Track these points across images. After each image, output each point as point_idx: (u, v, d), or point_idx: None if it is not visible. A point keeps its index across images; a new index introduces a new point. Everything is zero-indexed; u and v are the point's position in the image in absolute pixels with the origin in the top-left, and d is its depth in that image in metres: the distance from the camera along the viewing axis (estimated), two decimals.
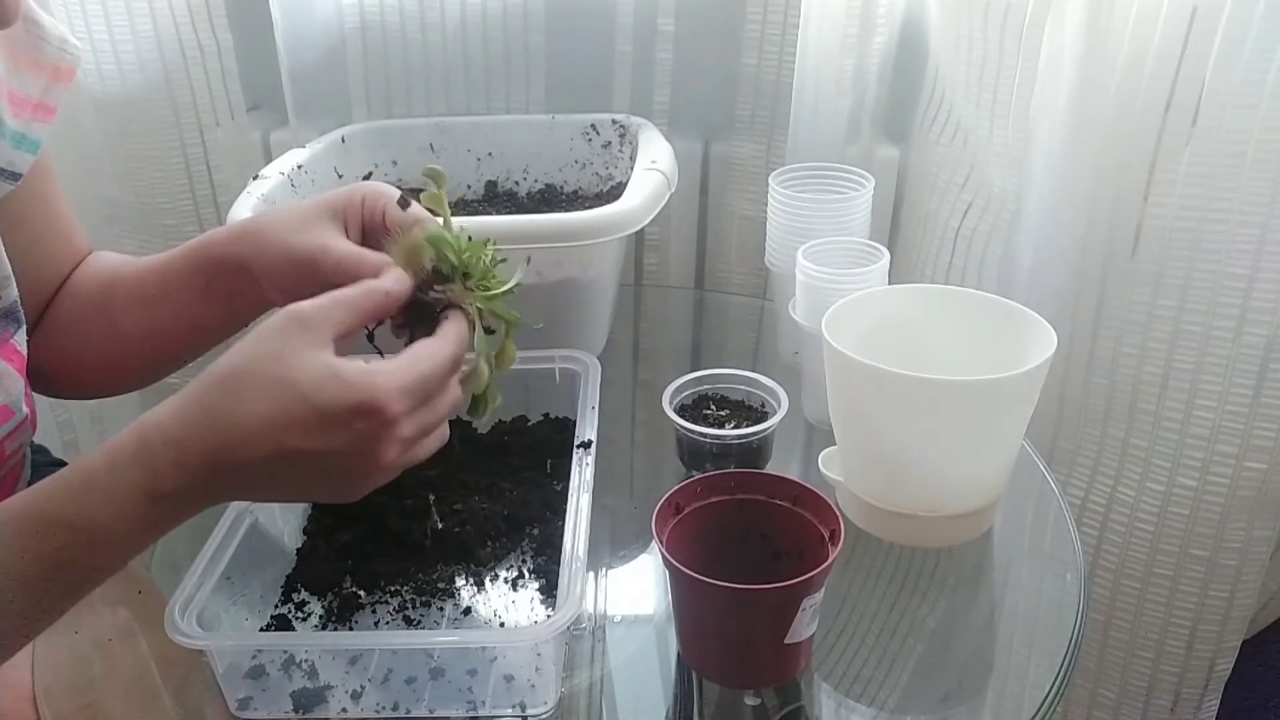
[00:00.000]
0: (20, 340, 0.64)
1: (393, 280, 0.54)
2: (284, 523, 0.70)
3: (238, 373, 0.48)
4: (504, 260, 0.58)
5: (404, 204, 0.60)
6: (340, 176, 1.01)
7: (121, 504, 0.47)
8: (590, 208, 0.80)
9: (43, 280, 0.68)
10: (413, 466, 0.53)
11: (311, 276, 0.57)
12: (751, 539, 0.62)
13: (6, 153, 0.62)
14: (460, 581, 0.64)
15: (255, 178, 0.90)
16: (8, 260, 0.63)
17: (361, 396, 0.47)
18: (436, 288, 0.55)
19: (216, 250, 0.64)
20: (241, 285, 0.62)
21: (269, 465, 0.48)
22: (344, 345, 0.52)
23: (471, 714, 0.56)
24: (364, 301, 0.52)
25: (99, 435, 1.23)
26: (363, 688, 0.56)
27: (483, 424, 0.60)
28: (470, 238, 0.57)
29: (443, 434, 0.55)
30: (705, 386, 0.80)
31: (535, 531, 0.69)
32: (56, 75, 0.65)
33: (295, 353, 0.48)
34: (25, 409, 0.64)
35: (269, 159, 1.05)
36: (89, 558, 0.47)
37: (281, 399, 0.47)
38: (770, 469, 0.77)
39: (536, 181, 1.07)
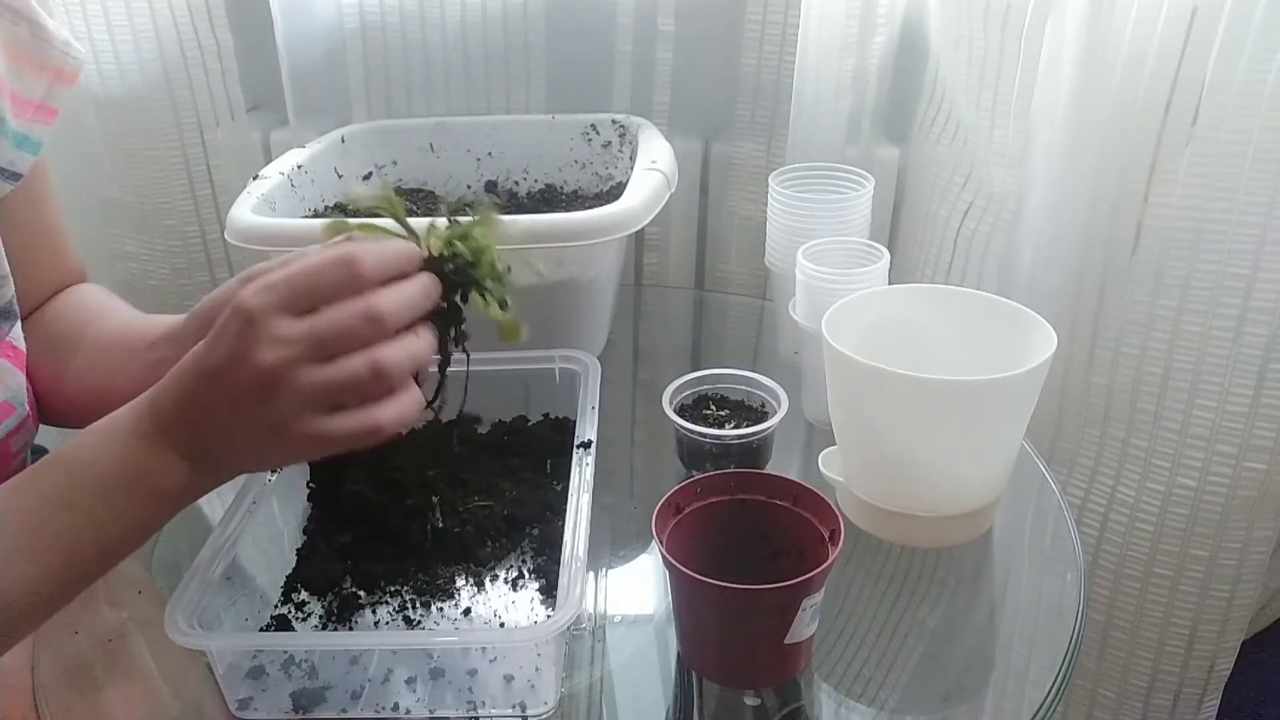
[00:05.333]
0: (17, 335, 0.64)
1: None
2: (284, 523, 0.70)
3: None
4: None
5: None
6: (340, 176, 1.01)
7: (110, 440, 0.51)
8: (590, 208, 0.80)
9: (26, 288, 0.68)
10: (344, 387, 0.49)
11: None
12: (751, 539, 0.62)
13: (8, 153, 0.62)
14: (460, 581, 0.64)
15: (255, 178, 0.90)
16: (5, 260, 0.63)
17: (232, 303, 0.49)
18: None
19: (174, 321, 0.65)
20: (165, 358, 0.62)
21: (199, 394, 0.50)
22: None
23: (471, 714, 0.56)
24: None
25: None
26: (363, 688, 0.56)
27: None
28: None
29: (373, 356, 0.49)
30: (705, 386, 0.80)
31: (535, 531, 0.69)
32: (59, 77, 0.66)
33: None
34: (26, 406, 0.64)
35: (269, 159, 1.05)
36: (86, 496, 0.50)
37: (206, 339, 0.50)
38: (770, 469, 0.77)
39: (536, 181, 1.07)
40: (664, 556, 0.56)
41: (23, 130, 0.63)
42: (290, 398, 0.48)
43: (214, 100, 1.12)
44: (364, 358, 0.49)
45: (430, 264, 0.53)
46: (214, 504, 0.71)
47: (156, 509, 0.52)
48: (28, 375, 0.66)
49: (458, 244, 0.54)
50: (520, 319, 0.56)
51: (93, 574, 0.52)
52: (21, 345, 0.64)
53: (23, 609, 0.49)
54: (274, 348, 0.47)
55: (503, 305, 0.56)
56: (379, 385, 0.49)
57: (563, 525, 0.61)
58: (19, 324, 0.64)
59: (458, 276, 0.54)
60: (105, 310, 0.72)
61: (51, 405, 0.68)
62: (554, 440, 0.76)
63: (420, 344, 0.51)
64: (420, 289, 0.51)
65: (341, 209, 0.98)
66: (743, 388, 0.80)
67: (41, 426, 0.68)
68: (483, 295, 0.55)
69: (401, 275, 0.51)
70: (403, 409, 0.51)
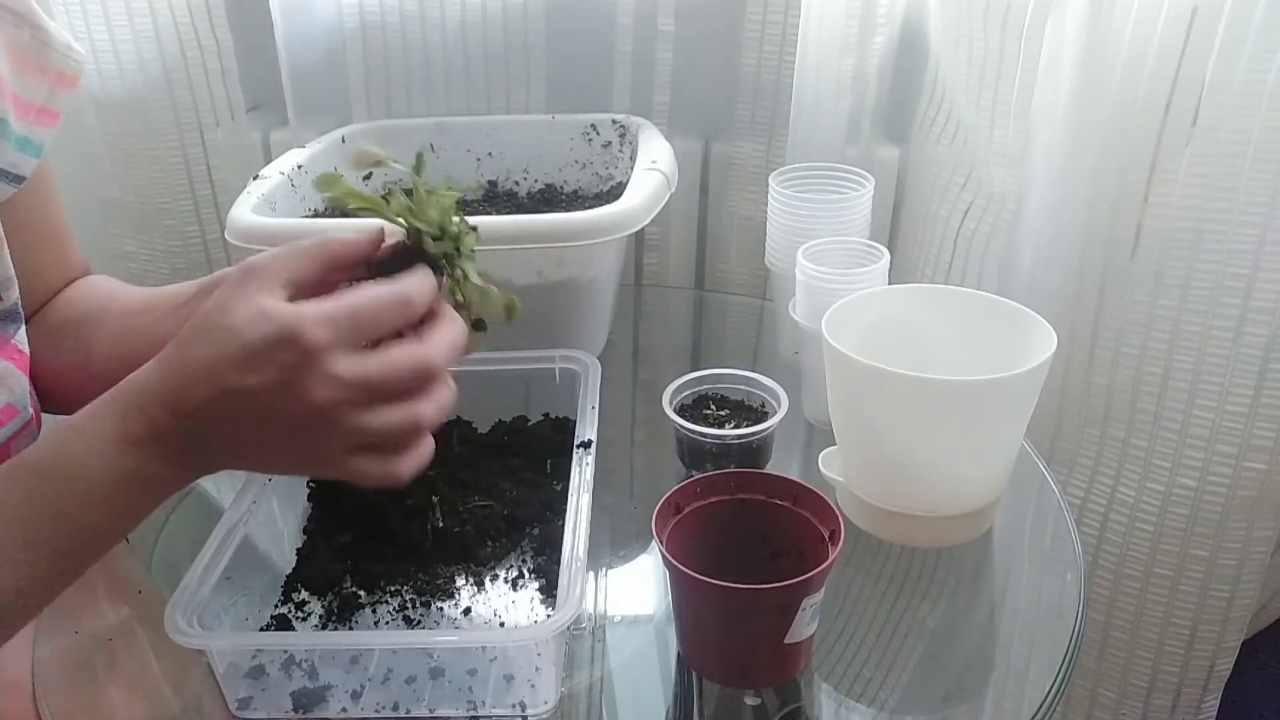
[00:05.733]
0: (21, 339, 0.64)
1: (354, 230, 0.54)
2: (284, 523, 0.70)
3: (193, 326, 0.50)
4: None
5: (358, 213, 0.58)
6: (341, 177, 1.01)
7: (97, 446, 0.48)
8: (590, 208, 0.80)
9: (34, 289, 0.68)
10: (386, 441, 0.50)
11: None
12: (751, 539, 0.62)
13: (10, 155, 0.62)
14: (460, 581, 0.64)
15: (255, 178, 0.90)
16: (10, 263, 0.63)
17: (281, 326, 0.47)
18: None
19: (206, 277, 0.65)
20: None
21: (216, 408, 0.48)
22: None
23: (471, 714, 0.56)
24: (319, 249, 0.51)
25: None
26: (363, 688, 0.56)
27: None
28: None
29: (415, 410, 0.50)
30: (705, 386, 0.80)
31: (535, 531, 0.69)
32: (61, 81, 0.66)
33: (238, 298, 0.48)
34: (30, 410, 0.64)
35: (269, 159, 1.05)
36: (73, 505, 0.48)
37: (218, 340, 0.48)
38: (770, 469, 0.77)
39: (536, 181, 1.07)
40: (664, 556, 0.56)
41: (25, 133, 0.63)
42: (332, 435, 0.49)
43: (214, 100, 1.12)
44: (407, 414, 0.50)
45: (412, 242, 0.54)
46: (214, 503, 0.71)
47: (146, 506, 0.51)
48: (37, 373, 0.66)
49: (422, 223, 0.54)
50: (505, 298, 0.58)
51: (79, 570, 0.51)
52: (25, 349, 0.64)
53: (7, 612, 0.49)
54: (329, 386, 0.47)
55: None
56: (414, 438, 0.51)
57: (563, 525, 0.61)
58: (24, 328, 0.64)
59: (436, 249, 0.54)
60: (117, 289, 0.72)
61: (73, 386, 0.68)
62: (554, 440, 0.76)
63: (450, 396, 0.52)
64: (461, 332, 0.53)
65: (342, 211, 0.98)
66: (743, 388, 0.80)
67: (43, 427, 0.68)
68: (458, 273, 0.55)
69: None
70: (421, 460, 0.52)
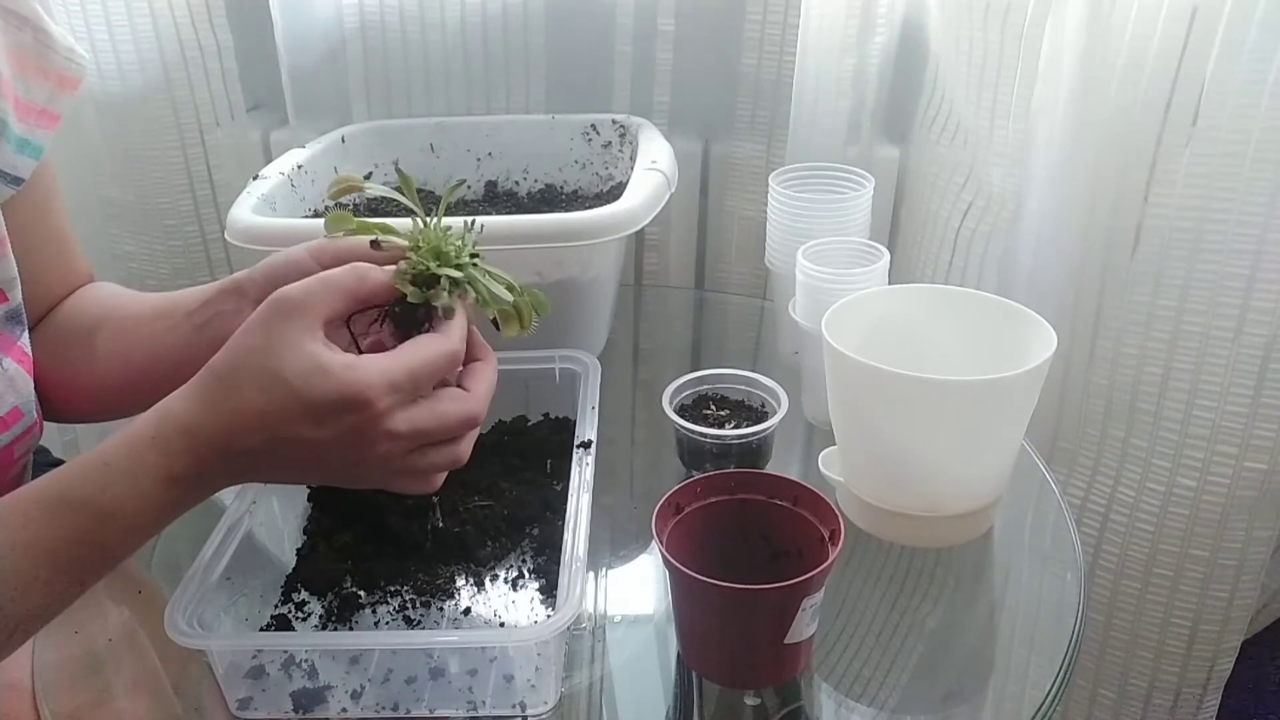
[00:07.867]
0: (26, 341, 0.64)
1: (385, 263, 0.55)
2: (284, 523, 0.70)
3: (234, 367, 0.50)
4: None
5: (375, 245, 0.58)
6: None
7: (140, 485, 0.49)
8: (590, 208, 0.80)
9: (36, 294, 0.68)
10: (428, 472, 0.54)
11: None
12: (751, 539, 0.62)
13: (10, 157, 0.62)
14: (460, 581, 0.64)
15: (255, 178, 0.90)
16: (14, 264, 0.63)
17: (347, 392, 0.48)
18: (429, 292, 0.54)
19: (218, 283, 0.64)
20: (222, 311, 0.62)
21: (272, 450, 0.50)
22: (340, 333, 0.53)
23: (471, 714, 0.56)
24: (354, 286, 0.52)
25: (99, 435, 1.23)
26: (363, 688, 0.56)
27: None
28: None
29: (457, 452, 0.54)
30: (705, 386, 0.80)
31: (535, 531, 0.69)
32: (62, 84, 0.66)
33: (284, 344, 0.49)
34: (34, 413, 0.64)
35: (269, 159, 1.05)
36: (112, 536, 0.50)
37: (273, 392, 0.49)
38: (770, 469, 0.77)
39: (536, 181, 1.07)
40: (664, 556, 0.56)
41: (25, 135, 0.63)
42: (380, 470, 0.52)
43: (214, 100, 1.12)
44: (450, 454, 0.54)
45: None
46: (214, 504, 0.71)
47: (168, 524, 0.52)
48: (41, 379, 0.65)
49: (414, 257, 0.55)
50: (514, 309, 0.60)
51: (94, 584, 0.52)
52: (30, 352, 0.64)
53: (29, 626, 0.50)
54: (389, 442, 0.51)
55: (511, 289, 0.58)
56: (451, 468, 0.55)
57: (563, 525, 0.61)
58: (28, 331, 0.64)
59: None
60: (121, 295, 0.72)
61: (77, 393, 0.68)
62: (554, 440, 0.76)
63: (475, 434, 0.56)
64: (495, 371, 0.57)
65: (342, 209, 0.98)
66: (743, 388, 0.80)
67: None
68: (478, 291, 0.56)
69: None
70: (441, 479, 0.56)
